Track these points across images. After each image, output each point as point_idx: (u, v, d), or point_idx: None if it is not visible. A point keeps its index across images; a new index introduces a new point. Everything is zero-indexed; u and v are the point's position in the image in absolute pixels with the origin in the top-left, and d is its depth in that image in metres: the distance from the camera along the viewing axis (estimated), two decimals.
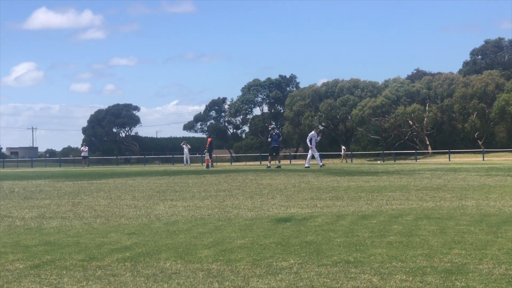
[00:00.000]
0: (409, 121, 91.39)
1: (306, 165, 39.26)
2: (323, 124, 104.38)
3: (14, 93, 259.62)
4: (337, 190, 17.71)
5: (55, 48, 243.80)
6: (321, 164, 39.45)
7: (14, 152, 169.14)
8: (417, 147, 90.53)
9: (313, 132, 40.69)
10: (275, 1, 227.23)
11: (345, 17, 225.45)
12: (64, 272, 6.96)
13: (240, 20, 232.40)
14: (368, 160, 78.22)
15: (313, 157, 40.12)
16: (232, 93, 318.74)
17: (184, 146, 66.32)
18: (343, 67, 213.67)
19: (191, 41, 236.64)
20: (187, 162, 65.35)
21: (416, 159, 72.79)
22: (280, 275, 6.63)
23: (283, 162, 52.22)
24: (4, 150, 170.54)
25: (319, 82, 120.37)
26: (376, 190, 17.36)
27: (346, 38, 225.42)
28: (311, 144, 39.56)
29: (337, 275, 6.54)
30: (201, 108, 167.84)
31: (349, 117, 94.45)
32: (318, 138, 40.86)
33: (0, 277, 6.81)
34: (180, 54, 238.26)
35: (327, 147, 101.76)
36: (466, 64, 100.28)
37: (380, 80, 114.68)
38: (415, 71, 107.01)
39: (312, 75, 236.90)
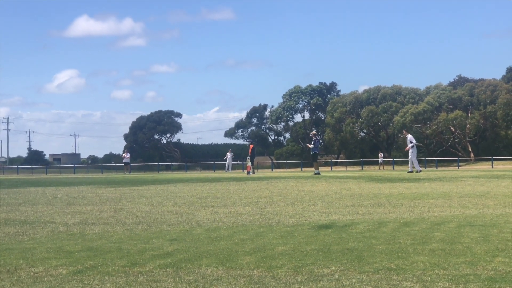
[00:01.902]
0: (451, 128, 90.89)
1: (417, 169, 39.23)
2: (364, 131, 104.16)
3: (57, 100, 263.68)
4: (378, 197, 17.63)
5: (97, 56, 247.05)
6: (411, 170, 39.31)
7: (56, 158, 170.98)
8: (459, 154, 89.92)
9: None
10: (315, 9, 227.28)
11: (385, 23, 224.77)
12: (107, 278, 7.00)
13: (280, 27, 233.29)
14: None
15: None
16: (273, 100, 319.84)
17: (229, 153, 66.68)
18: (384, 74, 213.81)
19: (231, 48, 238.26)
20: (228, 168, 65.57)
21: (458, 166, 72.26)
22: (321, 282, 6.61)
23: (323, 169, 52.20)
24: (47, 156, 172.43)
25: (360, 89, 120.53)
26: (418, 197, 17.25)
27: (387, 45, 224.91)
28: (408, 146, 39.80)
29: (379, 282, 6.50)
30: (242, 115, 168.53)
31: (391, 124, 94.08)
32: (408, 136, 40.82)
33: (43, 282, 6.87)
34: (221, 61, 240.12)
35: (368, 153, 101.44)
36: (509, 70, 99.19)
37: (421, 86, 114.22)
38: (457, 78, 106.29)
39: (353, 82, 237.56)
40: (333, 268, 7.24)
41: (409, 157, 40.03)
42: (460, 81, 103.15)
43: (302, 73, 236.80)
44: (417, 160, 41.04)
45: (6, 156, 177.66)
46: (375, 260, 7.63)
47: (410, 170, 39.56)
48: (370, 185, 23.52)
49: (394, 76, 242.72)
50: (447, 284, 6.37)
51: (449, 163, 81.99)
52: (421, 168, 39.84)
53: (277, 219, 12.59)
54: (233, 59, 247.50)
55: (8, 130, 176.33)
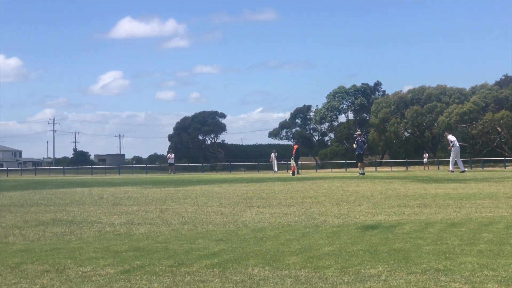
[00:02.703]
0: (498, 128, 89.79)
1: (450, 170, 38.91)
2: (408, 131, 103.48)
3: (102, 101, 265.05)
4: (424, 198, 17.50)
5: (140, 57, 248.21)
6: (451, 170, 38.97)
7: (102, 159, 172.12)
8: (506, 154, 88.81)
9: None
10: (357, 9, 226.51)
11: (430, 23, 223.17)
12: (154, 278, 7.04)
13: (323, 27, 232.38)
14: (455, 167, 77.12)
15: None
16: (317, 101, 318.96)
17: (273, 153, 66.88)
18: (429, 73, 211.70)
19: (274, 48, 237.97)
20: (274, 168, 65.73)
21: (505, 166, 71.41)
22: (368, 282, 6.58)
23: (368, 169, 52.00)
24: (92, 157, 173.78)
25: (404, 89, 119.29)
26: (465, 198, 17.09)
27: (431, 44, 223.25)
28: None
29: (427, 283, 6.45)
30: (286, 115, 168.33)
31: (436, 124, 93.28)
32: (448, 137, 40.50)
33: (92, 281, 6.93)
34: (264, 62, 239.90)
35: (413, 154, 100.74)
36: None
37: (467, 86, 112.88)
38: (503, 77, 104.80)
39: (397, 82, 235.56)
40: (380, 268, 7.21)
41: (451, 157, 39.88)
42: (507, 81, 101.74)
43: (346, 73, 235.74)
44: (461, 160, 40.71)
45: (52, 157, 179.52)
46: (423, 261, 7.57)
47: (451, 170, 39.16)
48: (416, 186, 23.37)
49: (439, 76, 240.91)
50: (496, 286, 6.31)
51: (495, 163, 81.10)
52: (453, 169, 39.42)
53: (322, 219, 12.56)
54: (276, 59, 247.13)
55: (54, 131, 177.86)
